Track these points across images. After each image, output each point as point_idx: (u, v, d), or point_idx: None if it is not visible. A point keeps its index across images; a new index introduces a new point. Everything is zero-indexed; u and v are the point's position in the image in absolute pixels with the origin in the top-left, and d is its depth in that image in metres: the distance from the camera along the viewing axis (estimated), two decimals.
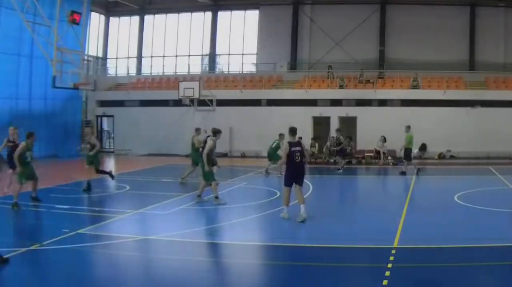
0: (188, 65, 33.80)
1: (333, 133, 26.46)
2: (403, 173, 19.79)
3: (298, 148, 11.09)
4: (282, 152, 11.61)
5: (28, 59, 25.07)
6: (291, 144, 11.08)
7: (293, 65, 32.03)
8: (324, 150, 25.01)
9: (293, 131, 11.24)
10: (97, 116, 31.40)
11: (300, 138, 24.21)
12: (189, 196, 14.31)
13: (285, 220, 11.12)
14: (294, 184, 11.13)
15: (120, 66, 35.59)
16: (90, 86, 24.36)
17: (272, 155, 19.51)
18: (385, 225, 10.71)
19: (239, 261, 8.58)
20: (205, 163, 12.72)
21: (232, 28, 34.31)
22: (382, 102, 27.10)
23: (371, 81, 28.03)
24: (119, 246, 8.93)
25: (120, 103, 30.37)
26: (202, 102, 27.80)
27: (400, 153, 21.09)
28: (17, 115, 24.77)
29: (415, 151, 25.99)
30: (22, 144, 12.40)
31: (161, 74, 34.24)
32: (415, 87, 27.25)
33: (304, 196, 12.33)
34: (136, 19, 35.76)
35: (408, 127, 20.07)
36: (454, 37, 29.81)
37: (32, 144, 12.62)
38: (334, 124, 27.14)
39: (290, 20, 32.20)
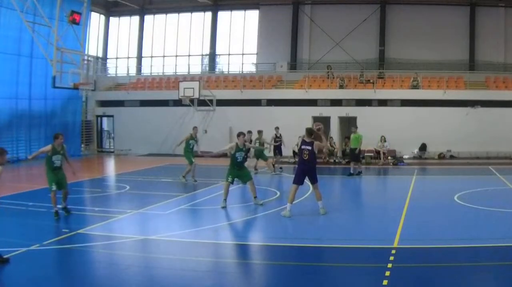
0: (188, 65, 33.81)
1: (332, 133, 26.54)
2: (351, 175, 19.42)
3: (308, 147, 11.46)
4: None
5: (28, 59, 25.05)
6: (303, 142, 11.62)
7: (293, 65, 32.02)
8: (324, 150, 24.99)
9: (308, 131, 11.75)
10: (97, 116, 31.40)
11: (300, 137, 24.39)
12: (189, 196, 14.32)
13: (285, 217, 11.15)
14: (308, 182, 11.68)
15: (120, 66, 35.61)
16: (90, 86, 24.32)
17: (260, 154, 19.90)
18: (385, 225, 10.72)
19: (239, 261, 8.58)
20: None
21: (232, 28, 34.30)
22: (382, 102, 27.09)
23: (371, 81, 28.01)
24: (119, 246, 8.93)
25: (120, 103, 30.36)
26: (202, 102, 27.80)
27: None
28: (17, 115, 24.81)
29: (414, 150, 26.14)
30: (48, 147, 11.27)
31: (161, 74, 34.23)
32: (415, 87, 27.24)
33: (304, 196, 12.38)
34: (136, 19, 35.76)
35: (355, 127, 20.15)
36: (454, 37, 29.80)
37: (59, 146, 11.31)
38: (334, 124, 27.17)
39: (290, 20, 32.19)
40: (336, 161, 24.81)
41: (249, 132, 18.87)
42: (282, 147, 21.28)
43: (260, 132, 20.26)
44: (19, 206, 12.47)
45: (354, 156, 19.75)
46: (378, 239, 9.40)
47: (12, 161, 24.02)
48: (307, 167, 11.56)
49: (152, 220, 11.48)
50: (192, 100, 27.43)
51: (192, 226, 10.81)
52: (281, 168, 20.98)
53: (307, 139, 11.60)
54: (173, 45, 35.01)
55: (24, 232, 10.11)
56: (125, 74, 34.07)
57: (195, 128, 18.11)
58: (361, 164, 20.16)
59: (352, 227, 10.89)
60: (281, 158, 21.85)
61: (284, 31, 32.22)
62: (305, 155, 11.47)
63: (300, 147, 11.60)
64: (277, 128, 21.94)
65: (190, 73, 32.56)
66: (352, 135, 19.94)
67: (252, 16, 33.83)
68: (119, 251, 8.76)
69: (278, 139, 21.42)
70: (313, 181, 11.68)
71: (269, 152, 20.98)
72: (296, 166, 11.93)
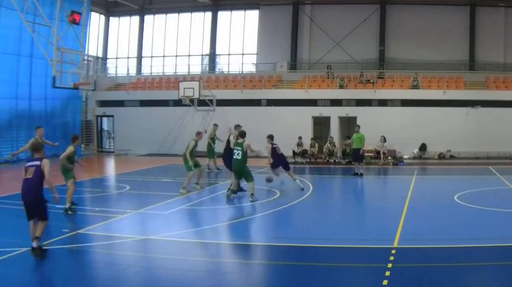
0: (188, 65, 33.81)
1: (332, 133, 26.54)
2: (356, 174, 19.20)
3: (275, 145, 15.19)
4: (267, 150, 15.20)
5: (28, 59, 25.02)
6: (272, 143, 15.11)
7: (293, 65, 32.01)
8: (324, 150, 25.03)
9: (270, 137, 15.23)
10: (97, 116, 31.38)
11: (300, 138, 24.79)
12: (189, 196, 14.31)
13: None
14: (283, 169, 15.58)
15: (120, 66, 35.61)
16: (90, 86, 24.30)
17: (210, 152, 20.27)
18: (385, 225, 10.72)
19: (239, 261, 8.58)
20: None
21: (232, 28, 34.31)
22: (382, 102, 27.07)
23: (371, 81, 28.00)
24: (119, 246, 8.93)
25: (120, 103, 30.35)
26: (202, 102, 27.79)
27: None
28: (17, 115, 24.80)
29: (414, 150, 26.13)
30: (70, 148, 11.95)
31: (161, 74, 34.23)
32: (415, 87, 27.23)
33: (304, 196, 12.38)
34: (136, 19, 35.76)
35: (358, 126, 20.03)
36: (454, 37, 29.80)
37: (76, 147, 12.30)
38: (334, 124, 27.16)
39: (290, 20, 32.19)
40: (336, 161, 24.79)
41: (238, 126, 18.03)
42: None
43: (215, 125, 20.94)
44: (19, 206, 12.46)
45: (358, 156, 19.60)
46: (378, 239, 9.41)
47: (12, 161, 24.02)
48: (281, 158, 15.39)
49: (152, 220, 11.48)
50: (192, 100, 27.42)
51: (192, 226, 10.81)
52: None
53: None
54: (173, 45, 35.01)
55: (24, 232, 10.10)
56: (125, 74, 34.06)
57: (237, 127, 16.83)
58: (363, 164, 20.07)
59: (352, 227, 10.89)
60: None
61: (284, 31, 32.21)
62: (278, 150, 15.14)
63: (272, 146, 15.03)
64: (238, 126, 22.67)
65: (190, 73, 32.55)
66: (354, 135, 19.75)
67: (252, 16, 33.83)
68: (119, 251, 8.76)
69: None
70: (287, 168, 15.64)
71: None
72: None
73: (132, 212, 12.06)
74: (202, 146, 18.79)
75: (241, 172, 13.44)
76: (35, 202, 8.20)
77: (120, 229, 10.57)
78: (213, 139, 20.39)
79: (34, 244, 8.05)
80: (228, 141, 15.62)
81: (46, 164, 8.25)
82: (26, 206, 8.26)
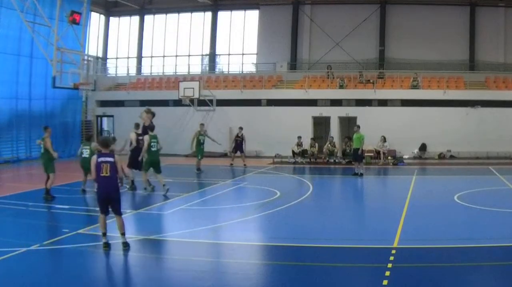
0: (188, 65, 33.80)
1: (332, 133, 26.55)
2: (356, 174, 19.17)
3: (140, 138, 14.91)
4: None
5: (28, 59, 25.03)
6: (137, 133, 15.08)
7: (293, 65, 32.01)
8: (324, 150, 25.03)
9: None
10: (97, 116, 31.36)
11: (300, 138, 24.84)
12: (189, 196, 14.32)
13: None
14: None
15: (120, 66, 35.60)
16: (90, 86, 24.30)
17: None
18: (385, 225, 10.72)
19: (239, 261, 8.57)
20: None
21: (232, 28, 34.30)
22: (382, 102, 27.07)
23: (371, 81, 27.99)
24: (119, 246, 8.92)
25: (120, 103, 30.33)
26: (202, 102, 27.78)
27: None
28: (17, 115, 24.80)
29: (414, 150, 26.13)
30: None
31: (161, 74, 34.22)
32: (415, 87, 27.23)
33: (304, 196, 12.36)
34: (136, 19, 35.75)
35: (358, 127, 20.06)
36: (454, 37, 29.79)
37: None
38: (334, 124, 27.17)
39: (290, 20, 32.19)
40: (336, 161, 24.78)
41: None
42: (244, 145, 23.01)
43: (201, 125, 21.56)
44: (19, 206, 12.48)
45: (357, 156, 19.63)
46: (378, 239, 9.41)
47: (12, 160, 24.04)
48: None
49: (152, 220, 11.48)
50: (192, 100, 27.42)
51: (192, 226, 10.81)
52: (245, 165, 22.35)
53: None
54: (173, 45, 35.01)
55: (24, 232, 10.11)
56: (125, 74, 34.04)
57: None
58: (363, 164, 20.09)
59: (352, 227, 10.90)
60: (239, 155, 23.11)
61: (284, 31, 32.21)
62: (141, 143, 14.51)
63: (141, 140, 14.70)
64: (240, 128, 23.34)
65: (190, 73, 32.53)
66: (354, 135, 19.87)
67: (252, 16, 33.82)
68: (119, 251, 8.76)
69: (238, 138, 23.05)
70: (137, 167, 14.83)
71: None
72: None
73: (132, 212, 12.06)
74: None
75: (158, 163, 14.25)
76: (117, 198, 8.73)
77: None
78: (198, 139, 20.46)
79: (122, 239, 8.71)
80: (138, 141, 15.13)
81: (118, 160, 8.79)
82: (106, 202, 8.69)
